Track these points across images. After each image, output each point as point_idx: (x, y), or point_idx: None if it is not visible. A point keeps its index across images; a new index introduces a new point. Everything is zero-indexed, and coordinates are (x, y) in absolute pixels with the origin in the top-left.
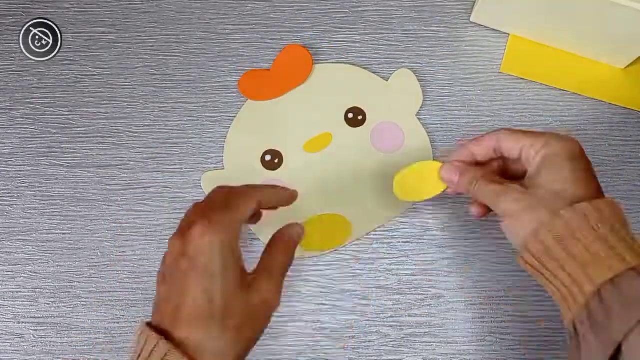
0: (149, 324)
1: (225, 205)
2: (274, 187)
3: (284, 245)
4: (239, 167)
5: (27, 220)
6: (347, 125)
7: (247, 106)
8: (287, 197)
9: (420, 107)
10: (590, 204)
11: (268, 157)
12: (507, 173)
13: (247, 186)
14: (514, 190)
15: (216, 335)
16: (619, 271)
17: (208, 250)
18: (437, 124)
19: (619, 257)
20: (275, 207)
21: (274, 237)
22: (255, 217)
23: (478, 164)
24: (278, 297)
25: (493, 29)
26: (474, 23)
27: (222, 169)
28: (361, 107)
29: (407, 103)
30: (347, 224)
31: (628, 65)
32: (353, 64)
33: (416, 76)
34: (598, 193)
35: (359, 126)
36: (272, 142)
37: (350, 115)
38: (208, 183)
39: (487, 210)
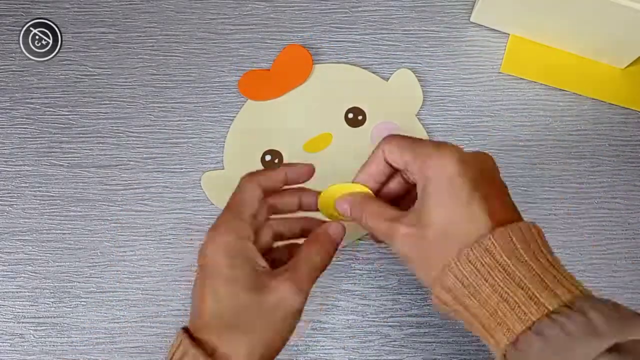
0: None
1: (227, 207)
2: (274, 169)
3: (319, 245)
4: (239, 167)
5: (27, 220)
6: (347, 125)
7: (247, 106)
8: (298, 172)
9: (420, 107)
10: (474, 248)
11: (268, 157)
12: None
13: (243, 176)
14: (403, 233)
15: (228, 339)
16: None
17: (213, 256)
18: (437, 124)
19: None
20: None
21: (313, 233)
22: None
23: (388, 180)
24: (298, 297)
25: (493, 29)
26: (474, 23)
27: (222, 169)
28: (361, 107)
29: (407, 103)
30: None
31: (628, 65)
32: (353, 64)
33: (416, 76)
34: (489, 223)
35: (359, 126)
36: (272, 142)
37: (350, 115)
38: (208, 183)
39: None
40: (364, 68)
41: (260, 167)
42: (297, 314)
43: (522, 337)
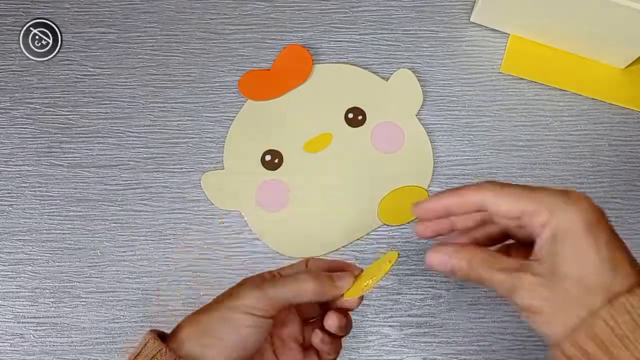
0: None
1: (267, 283)
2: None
3: (312, 277)
4: (239, 167)
5: (27, 220)
6: (347, 125)
7: (247, 106)
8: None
9: (420, 107)
10: (630, 297)
11: (268, 157)
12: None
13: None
14: (531, 282)
15: (183, 327)
16: None
17: (238, 316)
18: (437, 124)
19: None
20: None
21: (314, 273)
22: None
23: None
24: (259, 302)
25: (493, 29)
26: (474, 23)
27: (222, 169)
28: (361, 107)
29: (407, 103)
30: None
31: (628, 65)
32: (353, 64)
33: (416, 76)
34: (633, 271)
35: (359, 126)
36: (272, 142)
37: (350, 115)
38: (208, 183)
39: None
40: (364, 68)
41: (260, 167)
42: (249, 309)
43: None
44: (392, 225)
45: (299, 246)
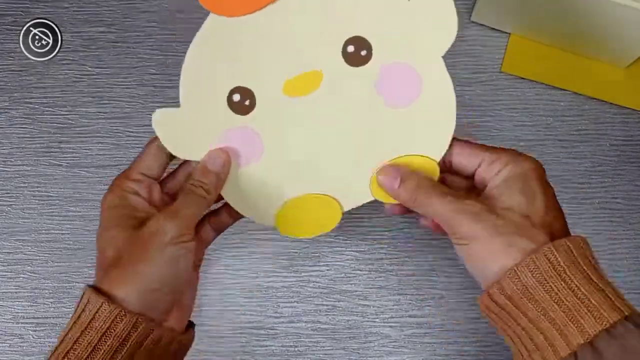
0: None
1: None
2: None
3: (197, 175)
4: (200, 106)
5: (26, 220)
6: (344, 63)
7: (210, 23)
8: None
9: None
10: (573, 240)
11: (236, 97)
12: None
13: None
14: (477, 209)
15: (112, 278)
16: (614, 320)
17: (101, 215)
18: None
19: (610, 304)
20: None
21: (189, 177)
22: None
23: None
24: (170, 223)
25: (494, 28)
26: (475, 22)
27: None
28: (367, 37)
29: (434, 37)
30: (336, 207)
31: (629, 65)
32: None
33: None
34: (566, 226)
35: (360, 65)
36: (243, 76)
37: (351, 49)
38: (160, 123)
39: (405, 211)
40: None
41: (227, 108)
42: (175, 239)
43: (620, 323)
44: (384, 203)
45: (268, 210)
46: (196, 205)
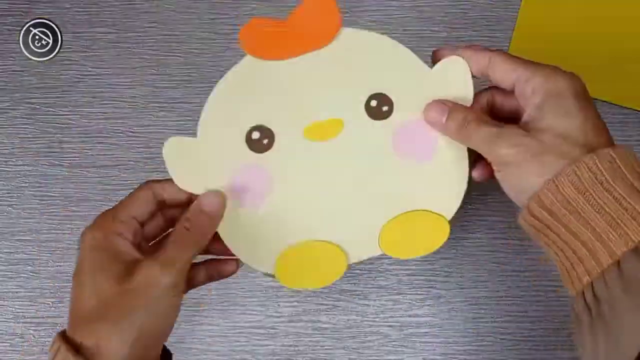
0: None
1: (114, 207)
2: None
3: (190, 218)
4: (217, 138)
5: (27, 220)
6: (366, 115)
7: (245, 63)
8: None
9: None
10: (617, 150)
11: (256, 135)
12: (498, 114)
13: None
14: (514, 133)
15: (97, 330)
16: None
17: (81, 253)
18: None
19: None
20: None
21: (182, 219)
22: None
23: None
24: (166, 273)
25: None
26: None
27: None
28: (390, 95)
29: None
30: (342, 258)
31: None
32: (392, 37)
33: None
34: (611, 141)
35: (381, 119)
36: (265, 115)
37: (374, 103)
38: (171, 151)
39: (492, 171)
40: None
41: (243, 144)
42: (171, 290)
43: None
44: (392, 257)
45: (268, 255)
46: (190, 251)
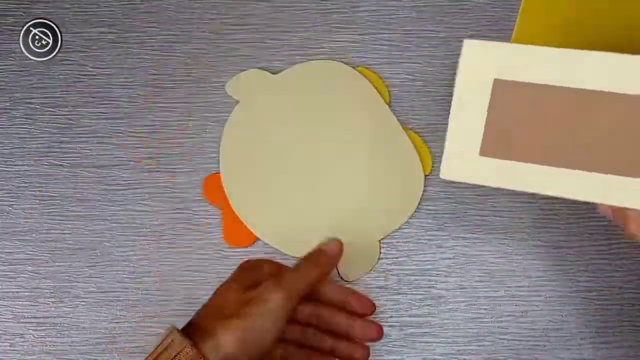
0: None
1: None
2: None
3: (313, 260)
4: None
5: (27, 220)
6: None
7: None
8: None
9: (420, 108)
10: None
11: None
12: None
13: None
14: None
15: (216, 322)
16: None
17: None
18: (438, 124)
19: None
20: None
21: (308, 254)
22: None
23: None
24: (276, 291)
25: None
26: None
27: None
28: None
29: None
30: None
31: None
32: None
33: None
34: None
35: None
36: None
37: None
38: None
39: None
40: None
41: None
42: (279, 309)
43: None
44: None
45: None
46: (303, 280)
